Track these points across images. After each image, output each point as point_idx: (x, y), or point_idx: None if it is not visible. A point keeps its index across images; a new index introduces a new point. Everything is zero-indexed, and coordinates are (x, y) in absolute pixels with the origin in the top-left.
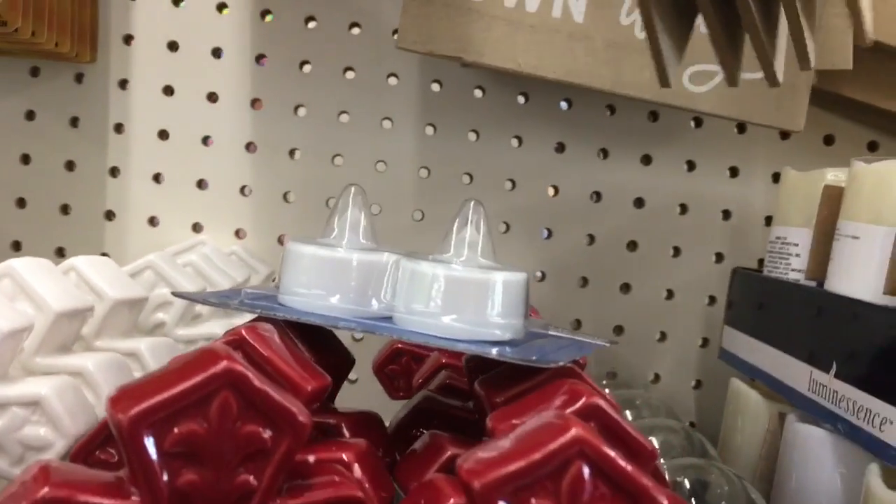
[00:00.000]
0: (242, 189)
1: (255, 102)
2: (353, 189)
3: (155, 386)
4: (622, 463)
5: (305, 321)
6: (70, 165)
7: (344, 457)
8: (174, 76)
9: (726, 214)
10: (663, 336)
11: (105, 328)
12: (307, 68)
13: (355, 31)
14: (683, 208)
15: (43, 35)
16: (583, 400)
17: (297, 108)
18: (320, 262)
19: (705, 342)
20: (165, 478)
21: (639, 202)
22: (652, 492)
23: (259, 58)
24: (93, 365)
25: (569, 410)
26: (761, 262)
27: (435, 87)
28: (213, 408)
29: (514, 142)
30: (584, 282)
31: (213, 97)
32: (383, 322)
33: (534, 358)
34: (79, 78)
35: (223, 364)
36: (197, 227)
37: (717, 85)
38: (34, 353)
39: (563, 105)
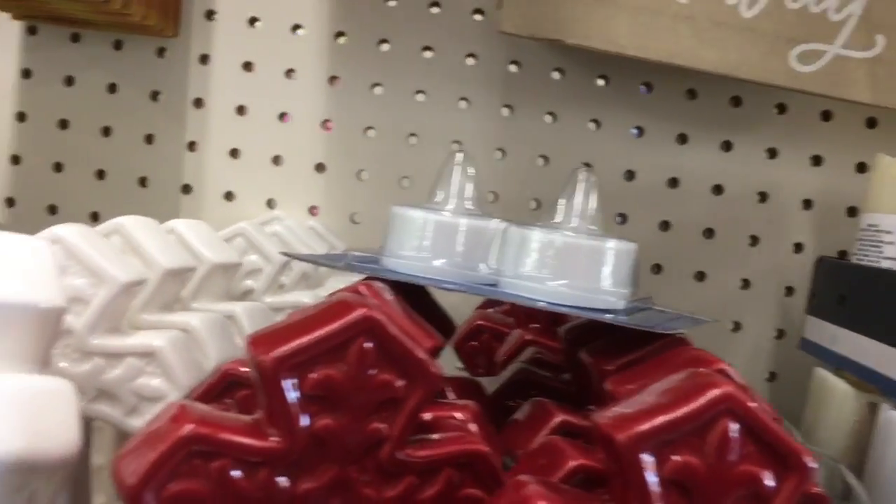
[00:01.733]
0: (317, 166)
1: (332, 80)
2: (459, 155)
3: (295, 331)
4: (770, 421)
5: (413, 282)
6: (149, 139)
7: (459, 415)
8: (253, 52)
9: (807, 203)
10: (737, 326)
11: (201, 291)
12: (385, 47)
13: (435, 10)
14: (763, 196)
15: (132, 7)
16: (712, 366)
17: (373, 85)
18: (427, 226)
19: (781, 333)
20: (303, 421)
21: (717, 189)
22: (800, 451)
23: (338, 35)
24: (198, 322)
25: None
26: (842, 252)
27: (513, 68)
28: (350, 354)
29: (592, 125)
30: (658, 269)
31: (290, 73)
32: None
33: (652, 326)
34: (160, 52)
35: (362, 311)
36: (271, 203)
37: (826, 65)
38: (141, 310)
39: (643, 89)
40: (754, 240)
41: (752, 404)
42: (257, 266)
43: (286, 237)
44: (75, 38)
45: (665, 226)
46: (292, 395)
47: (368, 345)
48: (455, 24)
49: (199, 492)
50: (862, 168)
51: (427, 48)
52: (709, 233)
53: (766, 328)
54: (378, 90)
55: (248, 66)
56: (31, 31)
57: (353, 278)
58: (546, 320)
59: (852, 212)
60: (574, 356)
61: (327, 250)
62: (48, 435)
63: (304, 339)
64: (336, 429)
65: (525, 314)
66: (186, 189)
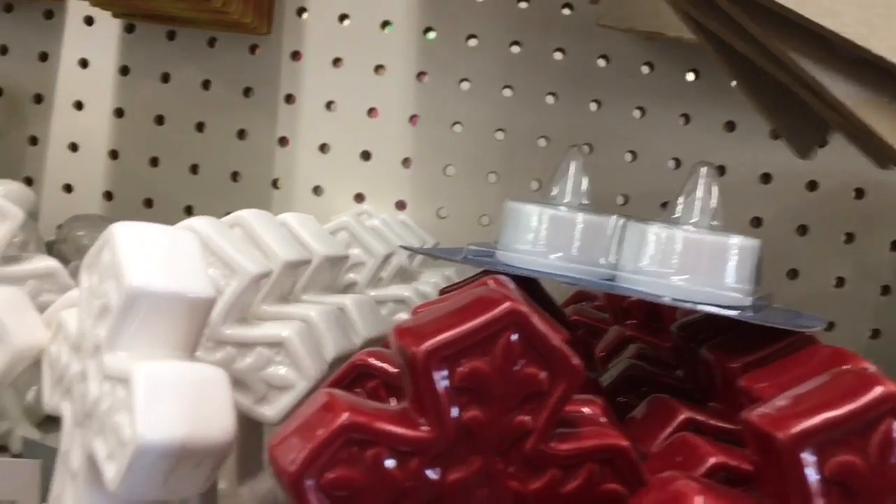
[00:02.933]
0: (405, 161)
1: (420, 75)
2: (573, 150)
3: (443, 324)
4: None
5: (531, 276)
6: (242, 134)
7: (587, 410)
8: (343, 48)
9: None
10: (831, 326)
11: (311, 283)
12: (473, 42)
13: (523, 4)
14: (860, 193)
15: (231, 5)
16: (856, 364)
17: (461, 81)
18: (544, 221)
19: (876, 333)
20: (454, 412)
21: (811, 185)
22: None
23: (426, 30)
24: (316, 314)
25: None
26: None
27: (601, 62)
28: (498, 347)
29: (681, 120)
30: None
31: (379, 69)
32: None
33: (781, 323)
34: (253, 49)
35: (509, 305)
36: (359, 198)
37: None
38: (261, 301)
39: (734, 83)
40: (850, 237)
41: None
42: (360, 259)
43: (383, 231)
44: (171, 35)
45: (757, 222)
46: (442, 386)
47: (514, 338)
48: (544, 19)
49: (355, 479)
50: None
51: (515, 43)
52: (802, 230)
53: (860, 328)
54: (465, 85)
55: (337, 62)
56: (129, 29)
57: (446, 272)
58: (643, 316)
59: None
60: (688, 353)
61: (420, 244)
62: (207, 422)
63: (454, 332)
64: (484, 420)
65: (622, 310)
66: (276, 184)
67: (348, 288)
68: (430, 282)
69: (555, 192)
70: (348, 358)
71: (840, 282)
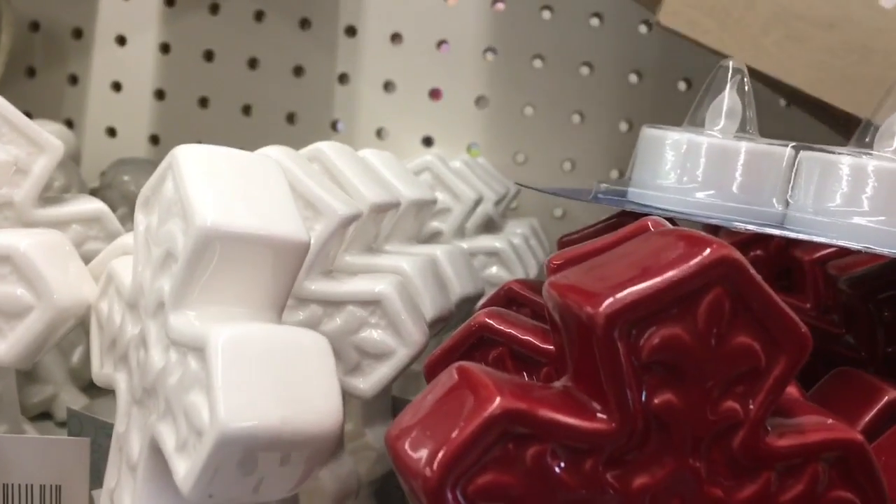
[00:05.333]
0: (478, 100)
1: (495, 3)
2: (730, 67)
3: (625, 276)
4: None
5: (683, 217)
6: (298, 71)
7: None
8: None
9: None
10: None
11: (395, 231)
12: None
13: None
14: None
15: None
16: None
17: (542, 9)
18: (693, 150)
19: None
20: (642, 395)
21: None
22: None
23: None
24: (410, 267)
25: None
26: None
27: (643, 28)
28: (702, 308)
29: None
30: None
31: None
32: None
33: None
34: None
35: (718, 250)
36: (427, 141)
37: None
38: (343, 250)
39: None
40: None
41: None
42: (445, 205)
43: (467, 174)
44: None
45: None
46: (628, 361)
47: (725, 296)
48: None
49: (512, 486)
50: None
51: None
52: None
53: None
54: (546, 14)
55: None
56: None
57: (532, 222)
58: (775, 271)
59: None
60: (863, 314)
61: (504, 191)
62: (309, 403)
63: (645, 287)
64: (680, 407)
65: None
66: (335, 126)
67: (432, 237)
68: (517, 232)
69: (706, 115)
70: (444, 320)
71: None
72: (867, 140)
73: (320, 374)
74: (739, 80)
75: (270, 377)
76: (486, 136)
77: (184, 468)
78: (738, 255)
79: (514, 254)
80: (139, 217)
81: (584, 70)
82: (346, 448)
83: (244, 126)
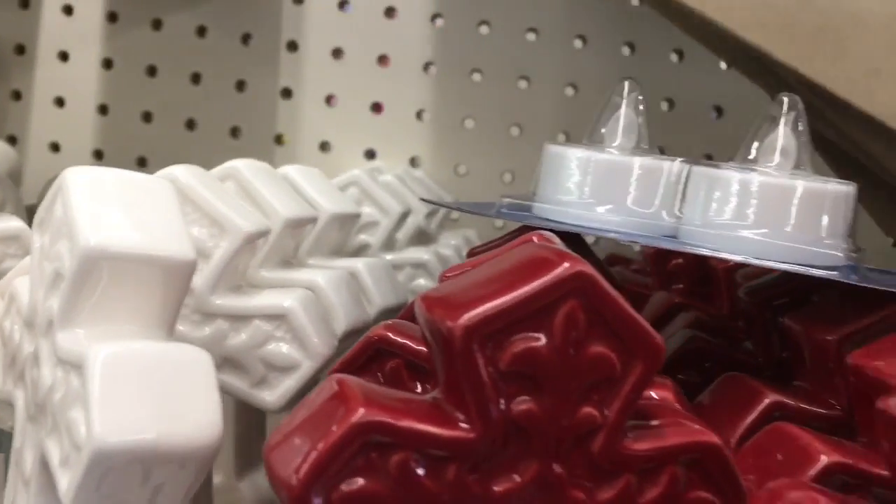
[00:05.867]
0: (419, 113)
1: (434, 18)
2: (626, 84)
3: (486, 291)
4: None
5: (577, 232)
6: (241, 86)
7: (655, 394)
8: None
9: None
10: None
11: (317, 245)
12: None
13: None
14: None
15: None
16: None
17: (480, 24)
18: (591, 167)
19: None
20: (501, 404)
21: None
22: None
23: None
24: (324, 280)
25: None
26: None
27: (634, 0)
28: (557, 320)
29: (722, 64)
30: None
31: (390, 12)
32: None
33: (890, 284)
34: None
35: (572, 266)
36: (370, 154)
37: None
38: (259, 265)
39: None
40: None
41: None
42: (372, 219)
43: (397, 188)
44: None
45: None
46: (487, 371)
47: (579, 308)
48: None
49: (376, 493)
50: None
51: None
52: None
53: None
54: (484, 29)
55: (343, 4)
56: None
57: (467, 233)
58: (692, 280)
59: None
60: (761, 321)
61: (440, 201)
62: (187, 418)
63: (501, 302)
64: (540, 414)
65: (667, 273)
66: (280, 139)
67: (360, 251)
68: (451, 244)
69: (603, 132)
70: (361, 332)
71: None
72: (751, 156)
73: (200, 389)
74: (635, 97)
75: (149, 392)
76: (427, 149)
77: (65, 482)
78: (591, 270)
79: (442, 265)
80: (35, 237)
81: (522, 83)
82: None
83: (188, 140)
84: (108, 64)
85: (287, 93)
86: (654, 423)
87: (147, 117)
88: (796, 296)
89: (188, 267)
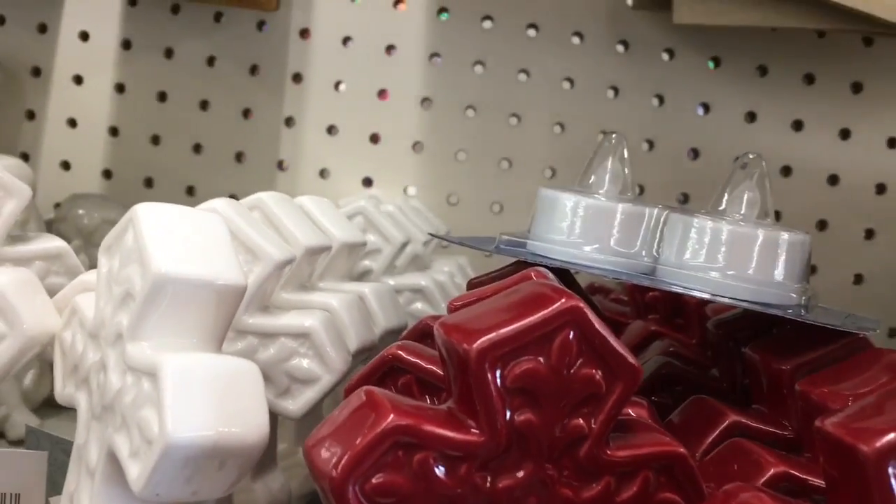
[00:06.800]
0: (415, 145)
1: (432, 57)
2: (613, 137)
3: (496, 320)
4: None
5: (566, 268)
6: (247, 113)
7: (633, 412)
8: (353, 26)
9: None
10: None
11: (328, 270)
12: (488, 23)
13: None
14: (881, 188)
15: None
16: None
17: (475, 64)
18: (580, 210)
19: (894, 333)
20: (507, 414)
21: (832, 179)
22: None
23: (441, 11)
24: (338, 303)
25: None
26: None
27: (620, 48)
28: (555, 346)
29: (700, 109)
30: None
31: (390, 50)
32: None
33: (840, 325)
34: (260, 25)
35: (567, 301)
36: (367, 182)
37: None
38: (280, 289)
39: (757, 73)
40: (870, 234)
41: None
42: (376, 246)
43: (398, 217)
44: (175, 9)
45: (776, 216)
46: (495, 387)
47: (572, 337)
48: (562, 2)
49: (401, 485)
50: None
51: (532, 26)
52: (822, 224)
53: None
54: (479, 69)
55: (347, 40)
56: (132, 1)
57: (459, 260)
58: (667, 311)
59: None
60: (726, 351)
61: (433, 231)
62: (240, 419)
63: (509, 329)
64: (537, 424)
65: (644, 304)
66: (282, 165)
67: (363, 276)
68: (445, 270)
69: (592, 180)
70: (368, 350)
71: (858, 279)
72: (721, 206)
73: (251, 397)
74: (622, 149)
75: (210, 398)
76: (421, 179)
77: (136, 471)
78: (583, 304)
79: (437, 290)
80: (102, 260)
81: (513, 120)
82: (280, 465)
83: (194, 164)
84: (120, 88)
85: (290, 121)
86: (632, 434)
87: (156, 140)
88: (758, 329)
89: (239, 291)
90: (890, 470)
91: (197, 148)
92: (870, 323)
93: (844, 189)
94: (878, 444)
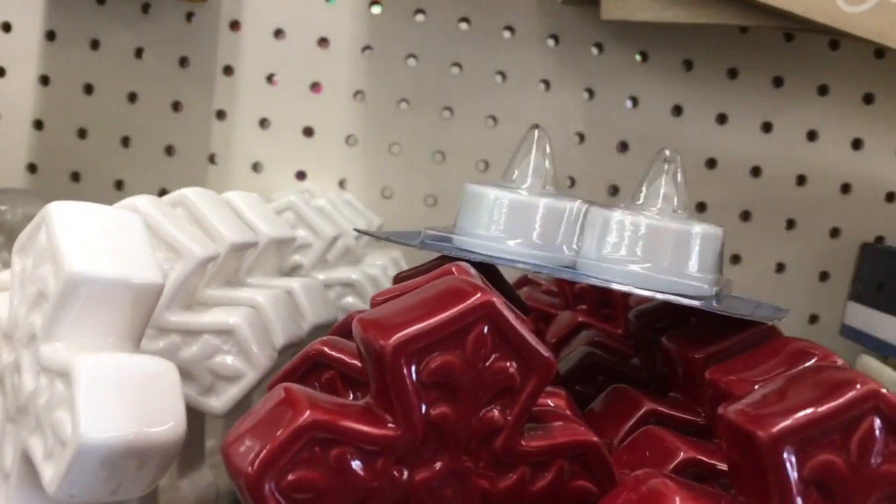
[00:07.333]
0: (348, 138)
1: (365, 49)
2: (536, 133)
3: (412, 315)
4: None
5: (490, 262)
6: (176, 106)
7: (551, 402)
8: (285, 19)
9: (845, 188)
10: None
11: (256, 266)
12: (420, 17)
13: None
14: (801, 179)
15: None
16: (828, 359)
17: (408, 57)
18: (503, 205)
19: (814, 319)
20: (422, 409)
21: (755, 171)
22: None
23: (373, 3)
24: (264, 299)
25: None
26: (879, 238)
27: (550, 42)
28: (469, 340)
29: (629, 103)
30: None
31: (323, 43)
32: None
33: (747, 314)
34: (189, 17)
35: (481, 297)
36: (301, 175)
37: (872, 7)
38: (205, 285)
39: (683, 67)
40: (791, 223)
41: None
42: (306, 241)
43: (329, 211)
44: None
45: (701, 207)
46: (411, 381)
47: (486, 331)
48: None
49: (318, 481)
50: None
51: (464, 19)
52: (745, 215)
53: (800, 313)
54: (412, 62)
55: (279, 33)
56: None
57: (392, 254)
58: (594, 302)
59: (891, 197)
60: (645, 341)
61: (366, 225)
62: (156, 419)
63: (425, 325)
64: (453, 417)
65: (572, 295)
66: (213, 159)
67: (293, 270)
68: (377, 264)
69: (515, 175)
70: (296, 346)
71: (780, 267)
72: (639, 201)
73: (167, 396)
74: (545, 143)
75: (124, 398)
76: (355, 172)
77: (50, 473)
78: (498, 300)
79: (369, 284)
80: (16, 260)
81: (446, 114)
82: (208, 462)
83: (122, 157)
84: (45, 80)
85: (221, 115)
86: (547, 425)
87: (82, 133)
88: (675, 319)
89: (156, 290)
90: (785, 454)
91: (125, 141)
92: (778, 312)
93: (767, 180)
94: (775, 430)
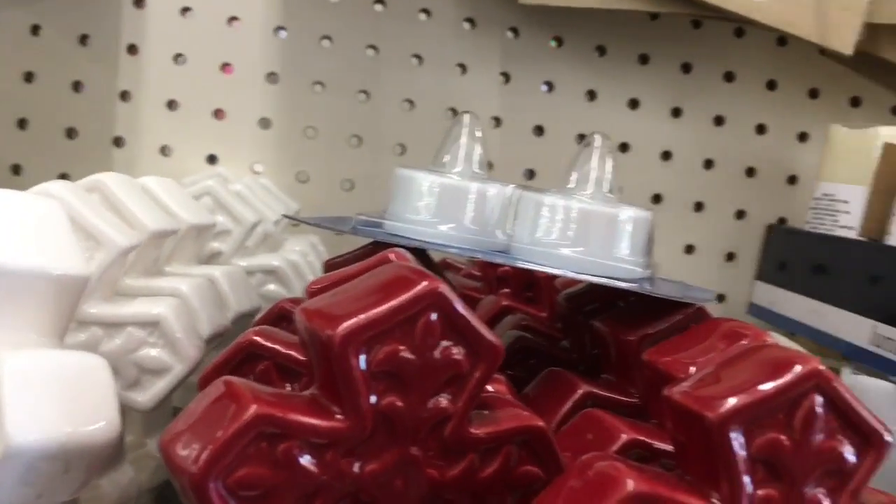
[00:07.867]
0: (262, 121)
1: (278, 30)
2: (466, 117)
3: (358, 304)
4: (854, 399)
5: (422, 248)
6: (77, 86)
7: (491, 388)
8: None
9: (750, 171)
10: (721, 298)
11: (175, 254)
12: None
13: None
14: (709, 163)
15: None
16: (759, 338)
17: (322, 38)
18: (435, 190)
19: (722, 298)
20: (371, 399)
21: (665, 155)
22: (879, 428)
23: None
24: (188, 288)
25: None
26: (782, 220)
27: (466, 25)
28: (418, 328)
29: (586, 96)
30: None
31: (233, 21)
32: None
33: (679, 296)
34: None
35: (429, 284)
36: (212, 159)
37: None
38: (125, 275)
39: (596, 53)
40: (699, 206)
41: (836, 382)
42: (225, 227)
43: (247, 196)
44: None
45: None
46: (360, 372)
47: (434, 319)
48: None
49: (265, 477)
50: (803, 137)
51: (379, 2)
52: (656, 198)
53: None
54: (326, 43)
55: (186, 10)
56: None
57: (311, 238)
58: (518, 285)
59: (792, 180)
60: (575, 324)
61: (284, 210)
62: (89, 419)
63: (373, 314)
64: (402, 407)
65: (495, 279)
66: (119, 142)
67: (213, 258)
68: (296, 249)
69: (446, 159)
70: (221, 336)
71: (689, 249)
72: (570, 185)
73: (100, 393)
74: (475, 128)
75: (54, 396)
76: (270, 156)
77: None
78: (444, 286)
79: (291, 271)
80: None
81: (362, 97)
82: (128, 458)
83: (19, 140)
84: None
85: (126, 95)
86: (493, 411)
87: None
88: (605, 302)
89: (80, 281)
90: (732, 434)
91: (21, 123)
92: (707, 294)
93: (676, 164)
94: (721, 410)
